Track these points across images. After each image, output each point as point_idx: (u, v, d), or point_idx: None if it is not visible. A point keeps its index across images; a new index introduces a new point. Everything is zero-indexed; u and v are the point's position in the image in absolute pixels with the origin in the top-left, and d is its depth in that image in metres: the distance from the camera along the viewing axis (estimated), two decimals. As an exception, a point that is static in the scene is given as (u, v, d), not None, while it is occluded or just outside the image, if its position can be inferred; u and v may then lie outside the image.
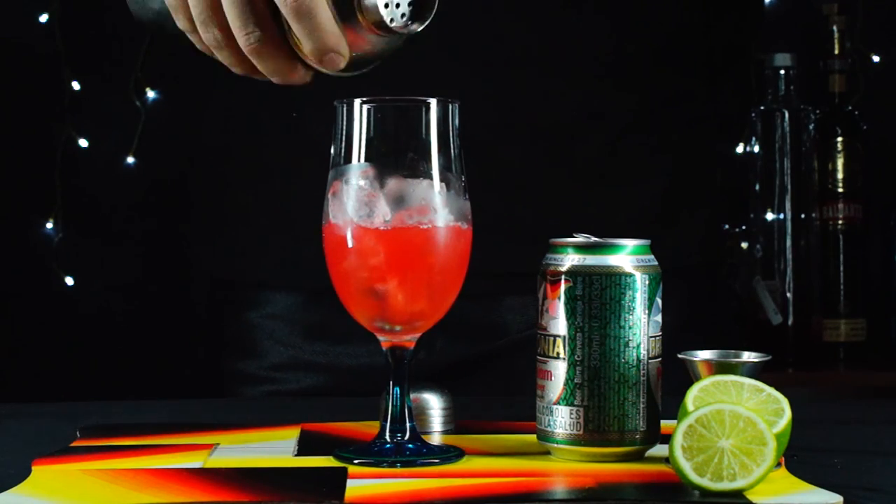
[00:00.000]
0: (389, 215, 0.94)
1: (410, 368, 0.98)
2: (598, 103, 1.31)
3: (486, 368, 1.31)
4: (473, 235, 0.97)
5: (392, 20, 0.97)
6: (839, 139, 2.03)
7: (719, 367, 0.94)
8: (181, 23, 1.01)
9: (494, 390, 1.27)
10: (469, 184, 0.97)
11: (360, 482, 0.89)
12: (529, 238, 1.24)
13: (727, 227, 2.06)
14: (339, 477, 0.90)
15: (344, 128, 0.96)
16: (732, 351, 0.96)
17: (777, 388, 0.91)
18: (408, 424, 0.97)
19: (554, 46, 1.30)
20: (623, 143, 1.32)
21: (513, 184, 1.28)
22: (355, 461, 0.94)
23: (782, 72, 2.00)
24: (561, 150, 1.31)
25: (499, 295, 1.29)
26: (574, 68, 1.30)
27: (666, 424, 0.95)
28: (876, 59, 2.07)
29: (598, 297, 0.94)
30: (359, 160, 0.95)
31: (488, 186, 1.20)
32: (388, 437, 0.96)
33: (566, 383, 0.95)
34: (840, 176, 2.03)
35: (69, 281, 1.99)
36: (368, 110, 0.95)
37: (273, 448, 0.99)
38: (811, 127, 2.02)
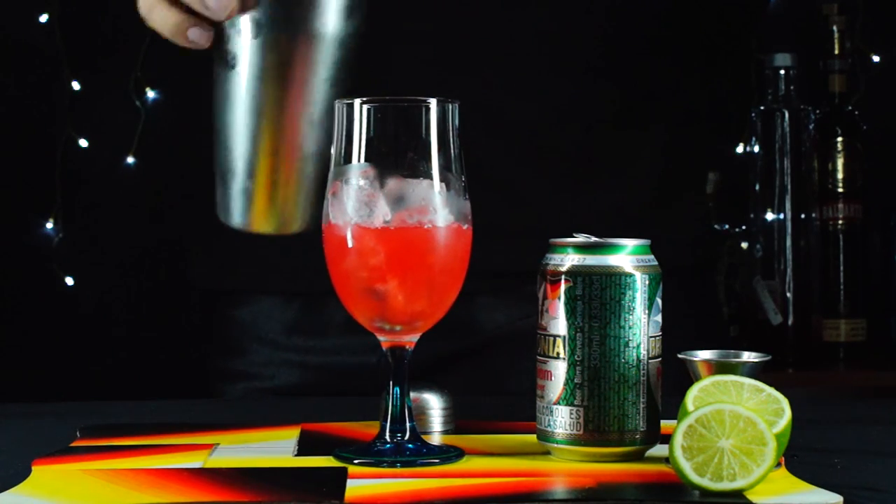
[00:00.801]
0: (389, 215, 0.94)
1: (410, 368, 0.98)
2: (584, 99, 1.31)
3: (460, 366, 1.31)
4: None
5: None
6: (839, 139, 2.03)
7: (719, 367, 0.94)
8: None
9: (472, 389, 1.27)
10: None
11: (360, 482, 0.89)
12: (511, 236, 1.24)
13: (727, 226, 2.05)
14: (339, 477, 0.90)
15: (344, 128, 0.96)
16: (732, 351, 0.96)
17: (777, 388, 0.91)
18: (408, 424, 0.97)
19: (540, 42, 1.30)
20: (609, 140, 1.32)
21: (496, 183, 1.28)
22: (355, 461, 0.94)
23: (782, 72, 2.00)
24: (542, 147, 1.31)
25: (474, 293, 1.28)
26: (558, 63, 1.30)
27: (666, 424, 0.95)
28: (876, 59, 2.07)
29: (598, 297, 0.94)
30: (359, 160, 0.95)
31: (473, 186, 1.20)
32: (388, 437, 0.96)
33: (566, 383, 0.95)
34: (840, 176, 2.03)
35: (69, 281, 1.99)
36: (368, 110, 0.95)
37: (273, 448, 0.99)
38: (811, 127, 2.02)
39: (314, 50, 1.02)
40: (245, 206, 1.04)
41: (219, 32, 1.04)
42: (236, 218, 1.05)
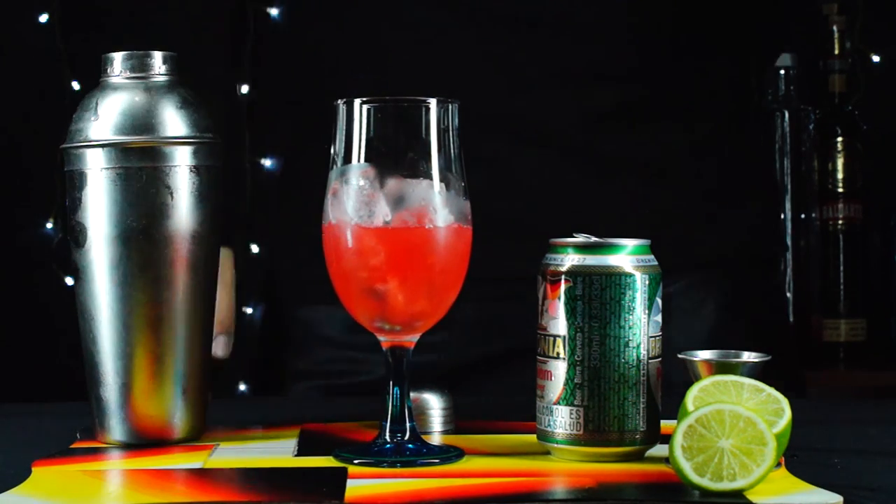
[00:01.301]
0: (390, 215, 0.94)
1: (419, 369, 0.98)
2: (618, 99, 1.31)
3: (510, 367, 1.31)
4: (477, 237, 0.97)
5: None
6: (839, 139, 2.03)
7: (719, 367, 0.94)
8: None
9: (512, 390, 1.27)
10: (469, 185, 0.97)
11: (360, 482, 0.89)
12: (525, 238, 1.24)
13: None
14: (339, 477, 0.90)
15: (344, 128, 0.96)
16: (732, 351, 0.96)
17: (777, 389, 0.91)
18: (408, 424, 0.97)
19: (556, 43, 1.30)
20: (646, 138, 1.32)
21: (512, 185, 1.28)
22: (355, 461, 0.94)
23: (782, 72, 2.00)
24: (574, 148, 1.30)
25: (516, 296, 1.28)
26: (595, 66, 1.30)
27: (666, 424, 0.95)
28: (876, 59, 2.07)
29: (598, 297, 0.94)
30: (359, 160, 0.95)
31: (486, 187, 1.20)
32: (388, 437, 0.96)
33: (566, 383, 0.95)
34: (840, 176, 2.03)
35: (69, 281, 1.99)
36: (368, 110, 0.95)
37: (273, 448, 0.99)
38: (811, 127, 2.01)
39: (138, 249, 1.00)
40: (114, 418, 1.01)
41: (68, 246, 1.04)
42: (112, 434, 1.01)
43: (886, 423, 1.15)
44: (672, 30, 1.34)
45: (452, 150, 0.96)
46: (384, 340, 0.97)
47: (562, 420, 0.95)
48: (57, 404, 1.25)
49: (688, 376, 0.95)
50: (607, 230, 0.98)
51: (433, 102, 0.95)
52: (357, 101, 0.95)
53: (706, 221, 1.34)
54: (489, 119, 1.28)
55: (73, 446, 1.02)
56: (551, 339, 0.95)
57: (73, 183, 1.02)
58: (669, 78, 1.34)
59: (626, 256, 0.95)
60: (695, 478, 0.84)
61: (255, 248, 2.04)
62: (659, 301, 0.96)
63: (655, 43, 1.33)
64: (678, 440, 0.85)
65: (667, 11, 1.33)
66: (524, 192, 1.30)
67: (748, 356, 0.95)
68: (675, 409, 0.92)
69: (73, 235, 1.02)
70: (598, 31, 1.31)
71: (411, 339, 0.97)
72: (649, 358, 0.95)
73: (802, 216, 2.01)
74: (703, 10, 1.34)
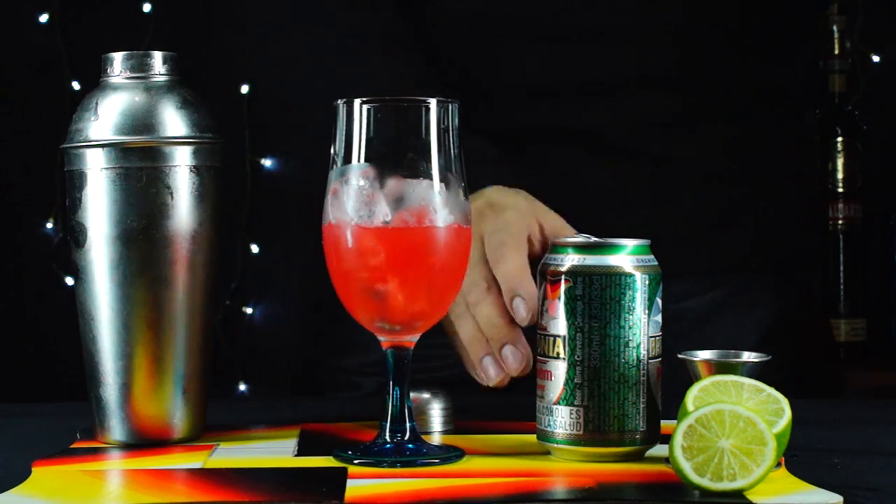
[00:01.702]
0: (390, 216, 0.94)
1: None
2: (665, 102, 1.31)
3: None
4: None
5: None
6: (839, 139, 2.03)
7: (719, 367, 0.94)
8: None
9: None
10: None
11: (360, 482, 0.89)
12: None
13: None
14: (339, 477, 0.90)
15: (344, 128, 0.96)
16: (732, 351, 0.96)
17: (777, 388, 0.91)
18: (408, 424, 0.97)
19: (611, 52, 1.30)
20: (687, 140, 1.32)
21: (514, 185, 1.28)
22: (355, 461, 0.94)
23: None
24: (598, 149, 1.30)
25: None
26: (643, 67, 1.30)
27: (666, 424, 0.95)
28: (876, 59, 2.08)
29: (598, 297, 0.94)
30: (359, 160, 0.95)
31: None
32: (388, 437, 0.96)
33: (566, 383, 0.95)
34: (840, 176, 2.03)
35: (69, 281, 1.99)
36: (368, 110, 0.95)
37: (273, 448, 0.99)
38: (811, 127, 2.01)
39: (138, 249, 1.00)
40: (114, 418, 1.01)
41: (68, 246, 1.04)
42: (112, 434, 1.02)
43: (886, 423, 1.15)
44: (696, 32, 1.34)
45: (452, 150, 0.96)
46: (384, 340, 0.97)
47: (562, 420, 0.95)
48: (57, 404, 1.25)
49: (688, 376, 0.95)
50: (621, 231, 0.99)
51: (433, 102, 0.95)
52: (357, 101, 0.95)
53: (736, 225, 1.34)
54: (491, 120, 1.28)
55: (73, 446, 1.02)
56: (551, 339, 0.95)
57: (73, 183, 1.02)
58: (713, 80, 1.33)
59: (626, 256, 0.95)
60: (695, 478, 0.84)
61: (255, 248, 2.05)
62: (659, 301, 0.96)
63: (686, 46, 1.32)
64: (678, 440, 0.85)
65: (683, 14, 1.33)
66: (528, 193, 1.30)
67: (748, 356, 0.95)
68: (675, 409, 0.92)
69: (73, 235, 1.02)
70: (617, 37, 1.31)
71: (411, 339, 0.97)
72: (649, 358, 0.95)
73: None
74: (720, 13, 1.33)
